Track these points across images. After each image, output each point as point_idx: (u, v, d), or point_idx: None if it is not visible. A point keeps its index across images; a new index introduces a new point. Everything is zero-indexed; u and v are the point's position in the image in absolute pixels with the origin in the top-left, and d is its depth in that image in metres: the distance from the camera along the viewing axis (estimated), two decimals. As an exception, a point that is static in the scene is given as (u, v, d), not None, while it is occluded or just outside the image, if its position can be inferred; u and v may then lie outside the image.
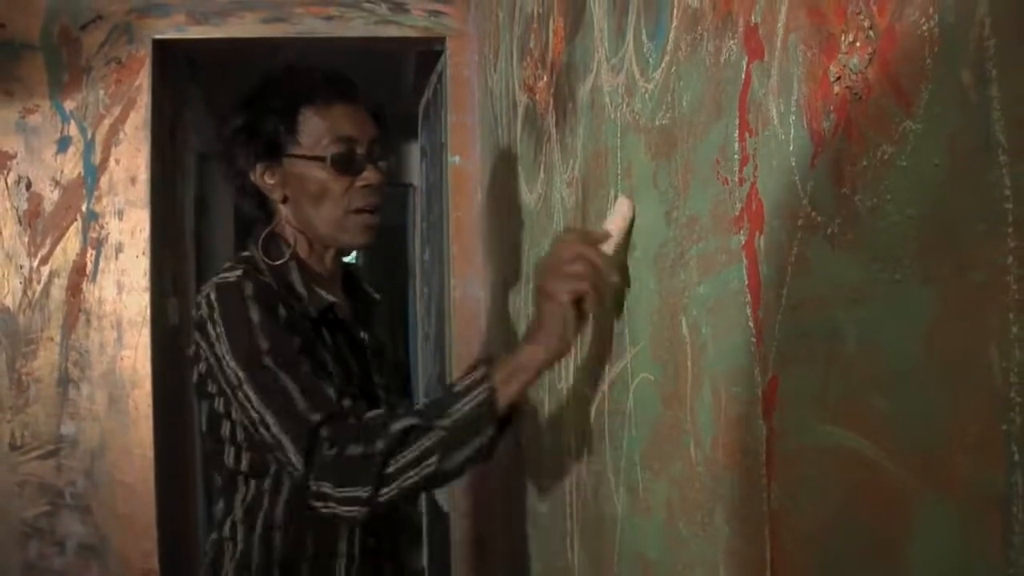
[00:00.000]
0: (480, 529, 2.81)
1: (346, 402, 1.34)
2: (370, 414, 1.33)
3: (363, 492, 1.25)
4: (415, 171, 4.35)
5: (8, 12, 2.71)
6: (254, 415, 1.33)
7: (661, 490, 1.09)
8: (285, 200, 1.53)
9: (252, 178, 1.52)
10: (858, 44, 0.64)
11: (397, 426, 1.26)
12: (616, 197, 1.22)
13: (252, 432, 1.36)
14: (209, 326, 1.38)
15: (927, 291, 0.57)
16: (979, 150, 0.51)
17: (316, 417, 1.29)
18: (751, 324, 0.83)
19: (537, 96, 1.77)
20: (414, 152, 4.30)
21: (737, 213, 0.85)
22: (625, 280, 1.19)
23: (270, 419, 1.31)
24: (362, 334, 1.59)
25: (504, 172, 2.21)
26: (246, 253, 1.52)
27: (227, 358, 1.35)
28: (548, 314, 1.18)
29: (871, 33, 0.63)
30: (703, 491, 0.96)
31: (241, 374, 1.33)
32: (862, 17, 0.64)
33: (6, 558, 2.66)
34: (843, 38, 0.66)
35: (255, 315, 1.35)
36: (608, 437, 1.31)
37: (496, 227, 2.41)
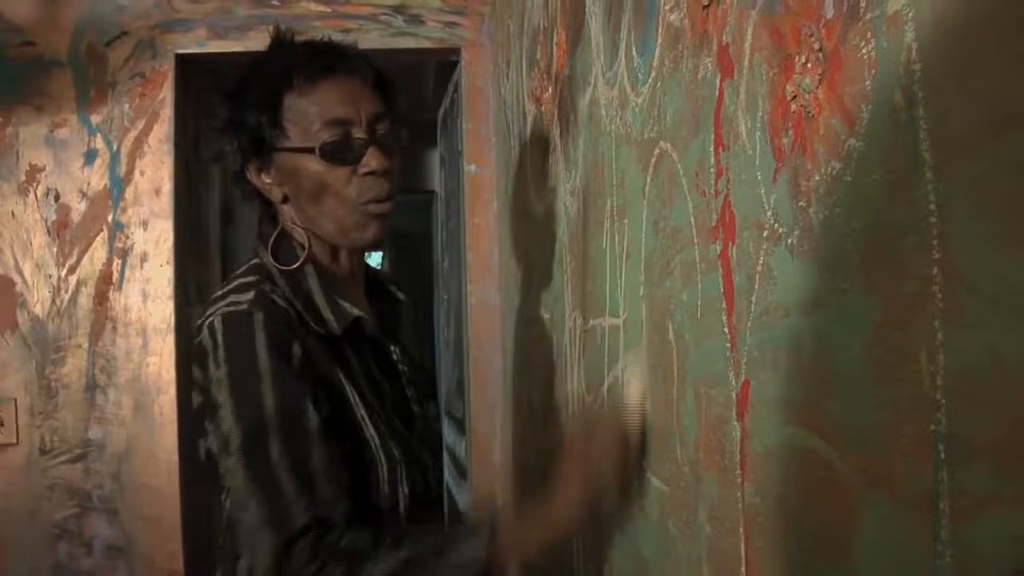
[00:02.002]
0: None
1: (340, 507, 1.16)
2: (360, 535, 1.15)
3: None
4: (437, 178, 4.40)
5: (38, 31, 2.78)
6: (236, 494, 1.17)
7: (653, 489, 1.13)
8: (286, 200, 1.35)
9: (248, 178, 1.35)
10: (810, 65, 0.68)
11: (389, 562, 1.14)
12: (624, 367, 1.21)
13: (231, 506, 1.19)
14: (211, 362, 1.20)
15: (869, 300, 0.60)
16: (909, 167, 0.55)
17: (302, 520, 1.13)
18: (726, 330, 0.86)
19: (543, 107, 1.81)
20: (436, 159, 4.35)
21: (714, 224, 0.89)
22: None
23: (252, 505, 1.15)
24: (392, 348, 1.44)
25: (516, 180, 2.25)
26: (256, 260, 1.33)
27: (226, 412, 1.18)
28: (564, 500, 1.18)
29: (820, 55, 0.66)
30: (688, 490, 0.99)
31: (236, 440, 1.17)
32: (813, 40, 0.67)
33: (37, 559, 2.72)
34: (798, 59, 0.70)
35: (264, 361, 1.18)
36: (608, 440, 1.34)
37: (510, 234, 2.45)
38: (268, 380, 1.17)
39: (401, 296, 1.57)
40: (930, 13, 0.53)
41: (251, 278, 1.28)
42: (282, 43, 1.37)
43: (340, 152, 1.28)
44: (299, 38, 1.38)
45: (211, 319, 1.22)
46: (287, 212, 1.36)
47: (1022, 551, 0.46)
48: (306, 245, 1.33)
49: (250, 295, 1.23)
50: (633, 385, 1.17)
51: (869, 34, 0.60)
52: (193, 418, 1.26)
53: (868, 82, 0.60)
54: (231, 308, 1.22)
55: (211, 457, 1.22)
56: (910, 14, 0.55)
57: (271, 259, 1.31)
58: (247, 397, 1.17)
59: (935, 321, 0.53)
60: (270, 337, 1.19)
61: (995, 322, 0.48)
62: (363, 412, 1.27)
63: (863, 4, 0.60)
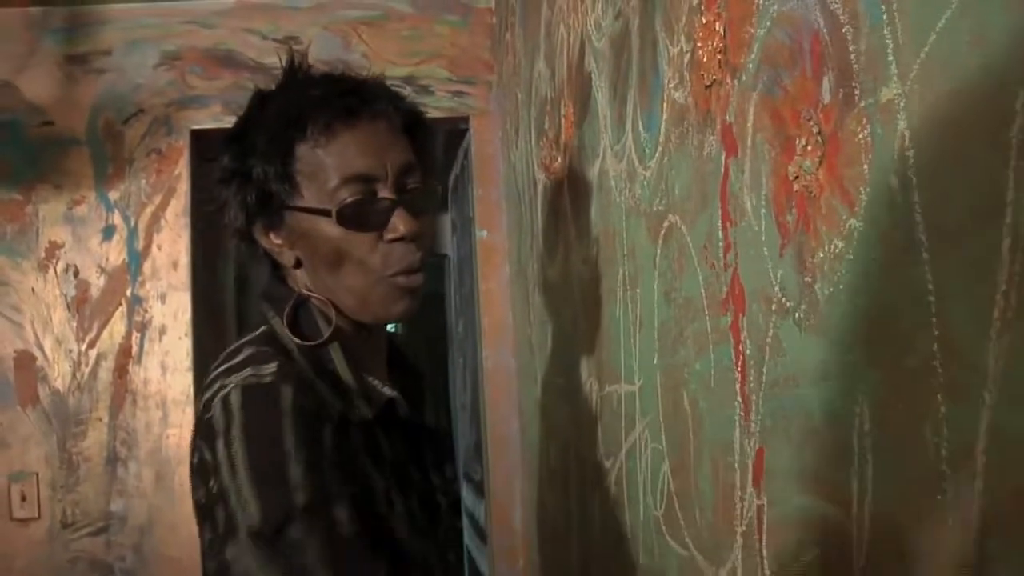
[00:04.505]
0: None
1: None
2: None
3: None
4: (449, 242, 4.44)
5: (56, 110, 2.86)
6: None
7: (673, 554, 1.15)
8: (299, 264, 1.14)
9: (255, 236, 1.14)
10: (810, 147, 0.71)
11: None
12: None
13: None
14: (220, 442, 0.97)
15: (874, 373, 0.63)
16: (906, 248, 0.58)
17: None
18: (739, 399, 0.89)
19: (553, 176, 1.85)
20: (447, 224, 4.40)
21: (724, 296, 0.92)
22: None
23: None
24: (425, 431, 1.26)
25: (528, 246, 2.29)
26: (267, 328, 1.12)
27: (242, 498, 0.94)
28: None
29: (819, 139, 0.70)
30: (707, 555, 1.01)
31: (252, 529, 0.94)
32: (812, 124, 0.71)
33: (59, 635, 2.73)
34: (798, 141, 0.73)
35: (291, 442, 0.96)
36: (627, 503, 1.36)
37: (524, 299, 2.48)
38: (295, 467, 0.96)
39: (422, 371, 1.36)
40: (919, 104, 0.57)
41: (267, 348, 1.07)
42: (296, 78, 1.17)
43: (362, 216, 1.09)
44: (316, 70, 1.17)
45: (226, 392, 1.01)
46: (300, 278, 1.15)
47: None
48: (332, 317, 1.12)
49: (272, 367, 1.03)
50: None
51: (864, 120, 0.63)
52: (198, 510, 1.03)
53: (865, 166, 0.63)
54: (252, 380, 1.01)
55: (216, 547, 0.99)
56: (902, 104, 0.58)
57: (288, 331, 1.11)
58: (275, 490, 0.95)
59: (938, 395, 0.55)
60: (299, 416, 0.99)
61: (994, 398, 0.50)
62: (391, 510, 1.10)
63: (857, 92, 0.64)
